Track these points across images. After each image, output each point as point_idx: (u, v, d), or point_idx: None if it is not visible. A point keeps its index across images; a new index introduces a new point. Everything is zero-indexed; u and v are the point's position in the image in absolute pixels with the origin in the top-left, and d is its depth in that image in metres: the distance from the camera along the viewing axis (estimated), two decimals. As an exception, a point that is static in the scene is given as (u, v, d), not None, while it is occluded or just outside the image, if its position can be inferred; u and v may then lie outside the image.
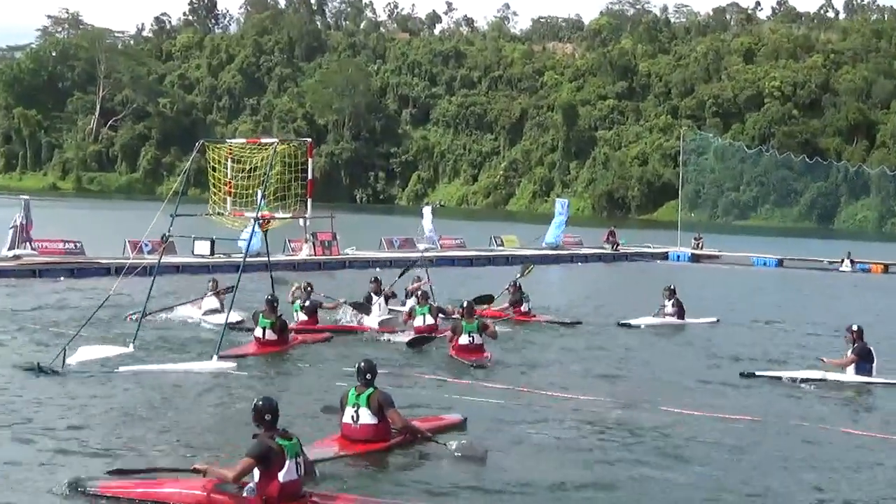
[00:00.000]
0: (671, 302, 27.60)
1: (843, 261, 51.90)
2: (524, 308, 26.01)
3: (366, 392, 12.98)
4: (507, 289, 26.36)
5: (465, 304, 20.56)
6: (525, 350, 21.80)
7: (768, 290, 39.53)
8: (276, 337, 20.34)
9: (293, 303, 23.34)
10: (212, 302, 24.46)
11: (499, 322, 23.22)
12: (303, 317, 23.05)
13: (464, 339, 19.55)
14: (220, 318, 22.30)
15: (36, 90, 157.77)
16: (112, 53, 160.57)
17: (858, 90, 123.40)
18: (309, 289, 23.83)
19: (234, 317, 22.10)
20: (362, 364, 13.26)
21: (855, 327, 19.36)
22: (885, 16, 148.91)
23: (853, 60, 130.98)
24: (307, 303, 23.35)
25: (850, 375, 18.83)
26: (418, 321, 22.16)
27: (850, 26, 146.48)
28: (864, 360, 18.88)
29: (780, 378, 18.84)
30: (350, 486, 11.67)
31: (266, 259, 25.88)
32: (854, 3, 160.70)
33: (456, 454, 12.79)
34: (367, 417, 12.89)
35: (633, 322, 26.51)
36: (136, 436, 13.50)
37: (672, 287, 28.04)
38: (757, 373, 19.34)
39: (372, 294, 24.47)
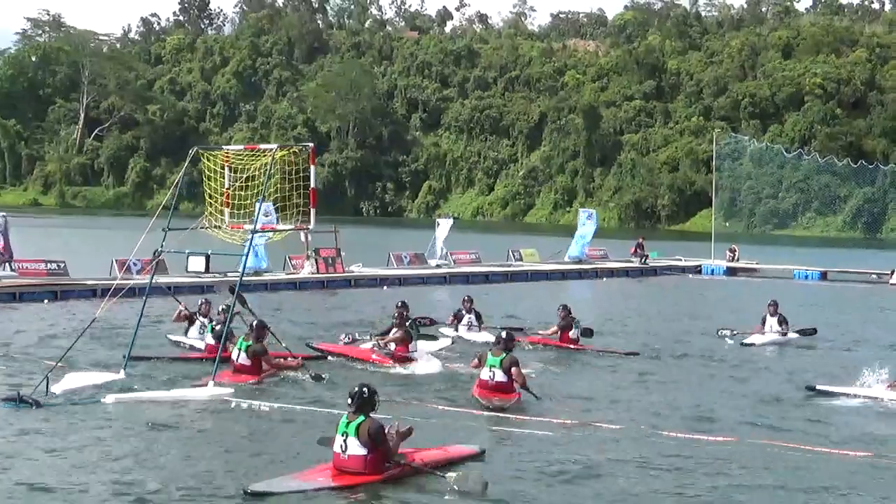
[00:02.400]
0: (776, 318, 28.33)
1: (893, 273, 51.59)
2: (572, 335, 25.31)
3: (356, 420, 12.97)
4: (558, 311, 26.05)
5: (501, 334, 19.39)
6: (571, 378, 21.83)
7: (817, 305, 39.26)
8: (248, 363, 20.31)
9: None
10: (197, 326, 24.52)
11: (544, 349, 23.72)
12: (210, 340, 22.86)
13: (484, 374, 18.49)
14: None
15: (15, 98, 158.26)
16: (97, 58, 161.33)
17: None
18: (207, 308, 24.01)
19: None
20: (355, 389, 13.29)
21: None
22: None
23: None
24: (217, 325, 22.96)
25: None
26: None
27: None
28: None
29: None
30: None
31: (265, 278, 25.84)
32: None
33: (454, 487, 12.80)
34: (355, 448, 12.90)
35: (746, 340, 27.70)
36: (123, 474, 13.47)
37: (775, 301, 28.82)
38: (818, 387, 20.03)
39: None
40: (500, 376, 18.23)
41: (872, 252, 74.43)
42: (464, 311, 26.27)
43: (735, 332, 28.42)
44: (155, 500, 12.33)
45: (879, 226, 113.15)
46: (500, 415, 17.38)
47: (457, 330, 26.23)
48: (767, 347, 27.19)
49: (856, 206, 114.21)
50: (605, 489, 13.30)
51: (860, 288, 49.34)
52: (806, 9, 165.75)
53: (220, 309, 24.36)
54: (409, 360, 22.25)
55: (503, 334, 19.14)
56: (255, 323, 20.71)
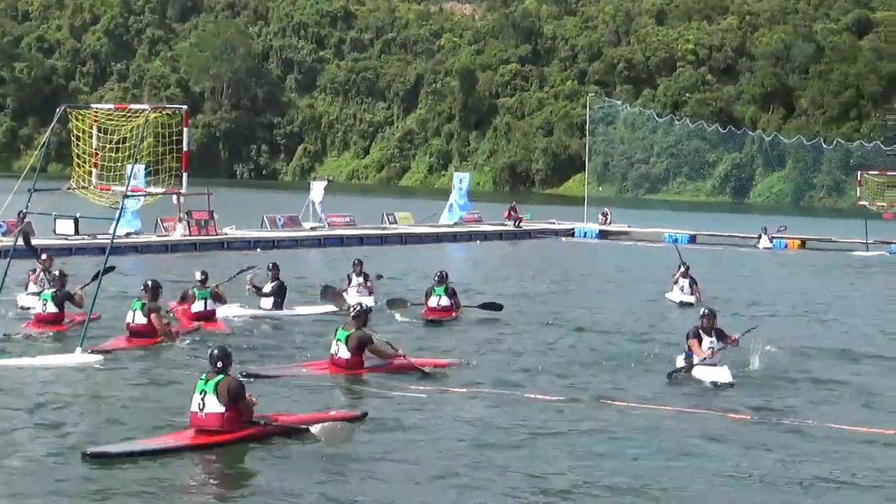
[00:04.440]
0: (687, 280, 28.87)
1: (760, 236, 52.82)
2: (432, 302, 24.65)
3: (215, 378, 12.92)
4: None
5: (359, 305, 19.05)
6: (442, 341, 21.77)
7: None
8: (145, 322, 19.98)
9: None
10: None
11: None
12: (52, 308, 21.39)
13: (332, 348, 17.61)
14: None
15: None
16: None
17: (776, 54, 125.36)
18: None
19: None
20: (215, 350, 13.25)
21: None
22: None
23: (770, 23, 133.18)
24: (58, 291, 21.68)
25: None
26: (433, 301, 23.76)
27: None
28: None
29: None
30: (199, 481, 11.81)
31: (137, 240, 25.40)
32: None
33: (319, 438, 12.92)
34: (213, 405, 12.79)
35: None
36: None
37: (687, 264, 29.32)
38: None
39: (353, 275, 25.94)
40: (344, 352, 17.30)
41: (740, 216, 76.03)
42: (353, 275, 26.22)
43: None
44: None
45: (747, 191, 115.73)
46: (386, 381, 17.05)
47: (346, 293, 26.14)
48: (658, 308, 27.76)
49: (724, 172, 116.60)
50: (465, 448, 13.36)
51: (729, 251, 50.24)
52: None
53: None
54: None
55: (361, 305, 18.49)
56: (149, 282, 20.22)
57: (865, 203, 57.41)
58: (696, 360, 18.07)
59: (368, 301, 23.64)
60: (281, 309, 23.83)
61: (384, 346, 17.79)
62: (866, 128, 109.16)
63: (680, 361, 18.44)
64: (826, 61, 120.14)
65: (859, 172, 62.21)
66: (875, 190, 59.65)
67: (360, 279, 26.11)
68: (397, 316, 24.07)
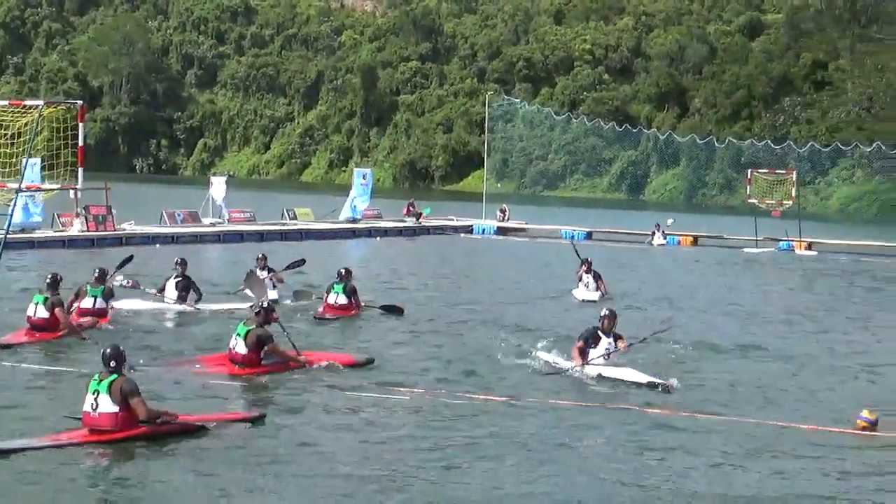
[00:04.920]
0: (591, 276, 29.11)
1: (654, 233, 53.50)
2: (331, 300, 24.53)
3: (108, 378, 12.90)
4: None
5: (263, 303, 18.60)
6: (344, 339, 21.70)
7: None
8: (48, 316, 19.88)
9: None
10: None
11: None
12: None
13: (231, 342, 17.29)
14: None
15: None
16: None
17: (670, 55, 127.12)
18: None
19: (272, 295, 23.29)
20: (108, 350, 13.21)
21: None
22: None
23: (665, 24, 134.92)
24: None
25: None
26: (331, 298, 23.39)
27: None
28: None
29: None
30: (89, 476, 11.80)
31: (34, 235, 25.14)
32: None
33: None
34: (107, 405, 12.76)
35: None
36: None
37: (589, 260, 29.49)
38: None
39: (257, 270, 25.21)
40: (241, 348, 16.92)
41: (635, 213, 76.96)
42: (258, 269, 26.06)
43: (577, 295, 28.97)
44: None
45: (642, 188, 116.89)
46: (282, 379, 17.03)
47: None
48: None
49: (620, 169, 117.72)
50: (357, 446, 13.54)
51: (624, 247, 50.62)
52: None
53: None
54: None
55: (264, 303, 17.85)
56: (52, 275, 19.89)
57: (755, 201, 58.56)
58: (581, 360, 17.90)
59: (273, 294, 23.83)
60: (185, 303, 23.73)
61: (284, 347, 17.46)
62: (757, 127, 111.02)
63: (549, 357, 18.66)
64: (718, 62, 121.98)
65: (749, 171, 63.37)
66: (764, 188, 60.73)
67: (265, 273, 26.15)
68: (301, 305, 24.34)
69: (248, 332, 16.93)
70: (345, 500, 11.24)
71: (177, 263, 24.26)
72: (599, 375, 17.66)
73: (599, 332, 18.10)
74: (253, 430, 13.67)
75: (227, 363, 17.22)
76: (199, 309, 23.77)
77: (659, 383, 17.03)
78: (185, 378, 16.69)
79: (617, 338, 18.21)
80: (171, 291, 23.94)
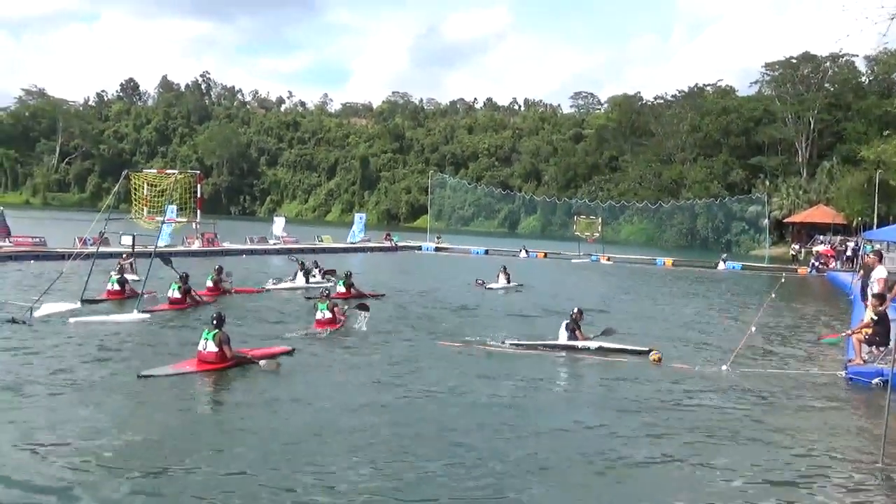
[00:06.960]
0: (505, 276, 28.16)
1: (521, 251, 53.70)
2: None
3: (213, 332, 12.70)
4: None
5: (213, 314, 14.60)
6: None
7: (480, 270, 39.26)
8: (180, 296, 19.52)
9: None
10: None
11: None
12: (115, 287, 20.26)
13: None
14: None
15: (15, 138, 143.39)
16: (68, 115, 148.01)
17: (533, 151, 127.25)
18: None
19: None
20: (214, 314, 13.00)
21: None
22: (547, 108, 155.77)
23: (529, 134, 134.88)
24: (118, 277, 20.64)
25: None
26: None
27: (527, 114, 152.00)
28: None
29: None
30: (195, 392, 11.40)
31: (170, 249, 24.60)
32: (530, 100, 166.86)
33: (261, 366, 12.69)
34: (212, 347, 12.58)
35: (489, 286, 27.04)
36: (65, 370, 12.79)
37: (504, 266, 28.95)
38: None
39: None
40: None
41: (512, 240, 76.69)
42: (312, 268, 24.71)
43: (488, 286, 27.60)
44: (78, 380, 11.70)
45: (516, 226, 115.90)
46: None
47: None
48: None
49: (504, 215, 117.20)
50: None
51: (505, 259, 46.65)
52: (480, 106, 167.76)
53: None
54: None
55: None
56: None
57: (578, 233, 59.08)
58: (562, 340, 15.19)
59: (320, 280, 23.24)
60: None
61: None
62: (580, 193, 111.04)
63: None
64: (558, 156, 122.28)
65: (576, 217, 63.95)
66: (584, 226, 61.27)
67: (317, 271, 25.26)
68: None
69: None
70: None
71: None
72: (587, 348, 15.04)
73: (573, 322, 15.39)
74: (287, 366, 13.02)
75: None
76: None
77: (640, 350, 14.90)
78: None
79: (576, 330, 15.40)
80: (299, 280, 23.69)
